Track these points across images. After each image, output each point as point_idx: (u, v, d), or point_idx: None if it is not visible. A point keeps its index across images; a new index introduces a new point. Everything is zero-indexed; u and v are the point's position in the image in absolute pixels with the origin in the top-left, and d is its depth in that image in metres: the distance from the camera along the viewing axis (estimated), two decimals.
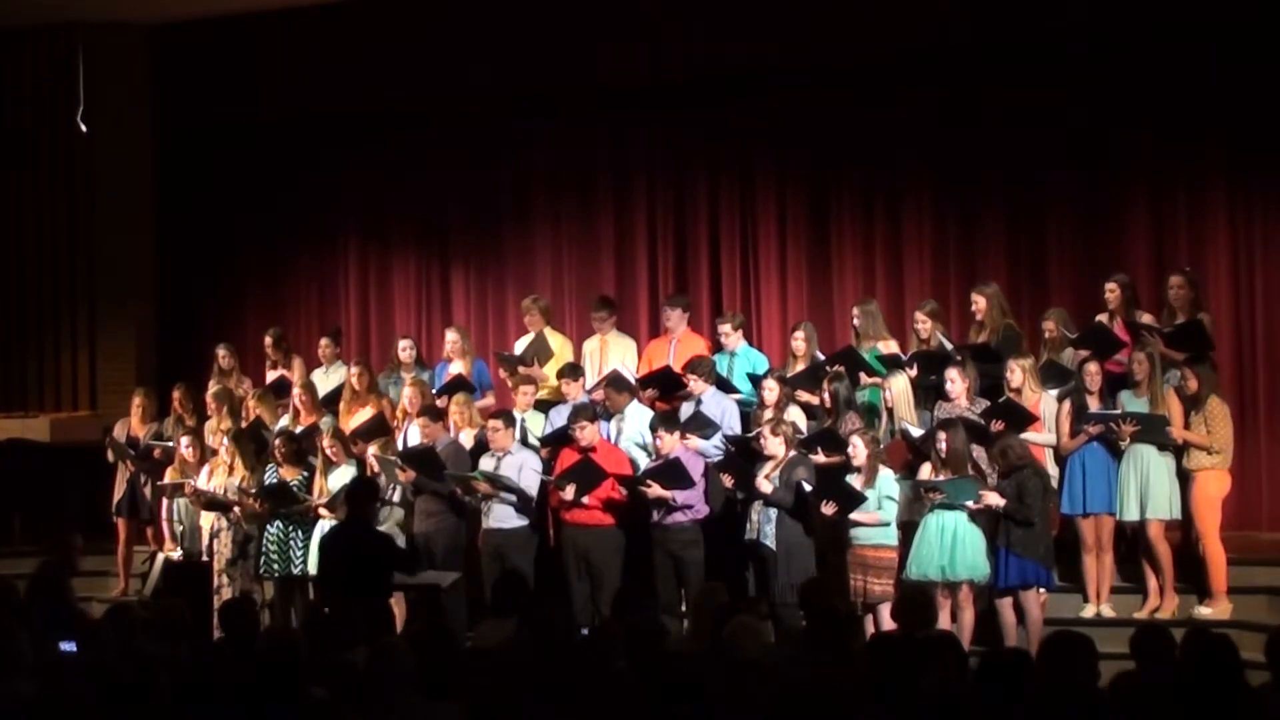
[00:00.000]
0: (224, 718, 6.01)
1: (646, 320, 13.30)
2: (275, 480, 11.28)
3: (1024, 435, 10.08)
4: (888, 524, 9.92)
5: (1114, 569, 10.36)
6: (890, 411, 10.48)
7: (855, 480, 9.94)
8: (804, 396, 10.83)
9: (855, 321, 11.35)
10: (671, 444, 10.39)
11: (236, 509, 11.41)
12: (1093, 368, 10.28)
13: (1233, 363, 11.63)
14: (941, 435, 9.79)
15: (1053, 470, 10.30)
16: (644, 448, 10.91)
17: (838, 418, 10.48)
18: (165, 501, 12.22)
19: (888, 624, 9.13)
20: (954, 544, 9.68)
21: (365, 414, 11.78)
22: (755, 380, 10.98)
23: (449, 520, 10.99)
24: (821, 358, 11.16)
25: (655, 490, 10.33)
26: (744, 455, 10.46)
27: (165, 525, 12.30)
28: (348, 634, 7.19)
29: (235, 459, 11.53)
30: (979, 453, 10.03)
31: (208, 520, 11.62)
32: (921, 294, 12.25)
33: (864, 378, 10.91)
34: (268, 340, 13.10)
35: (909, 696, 5.85)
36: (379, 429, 11.51)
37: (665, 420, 10.60)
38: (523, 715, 6.07)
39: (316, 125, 14.34)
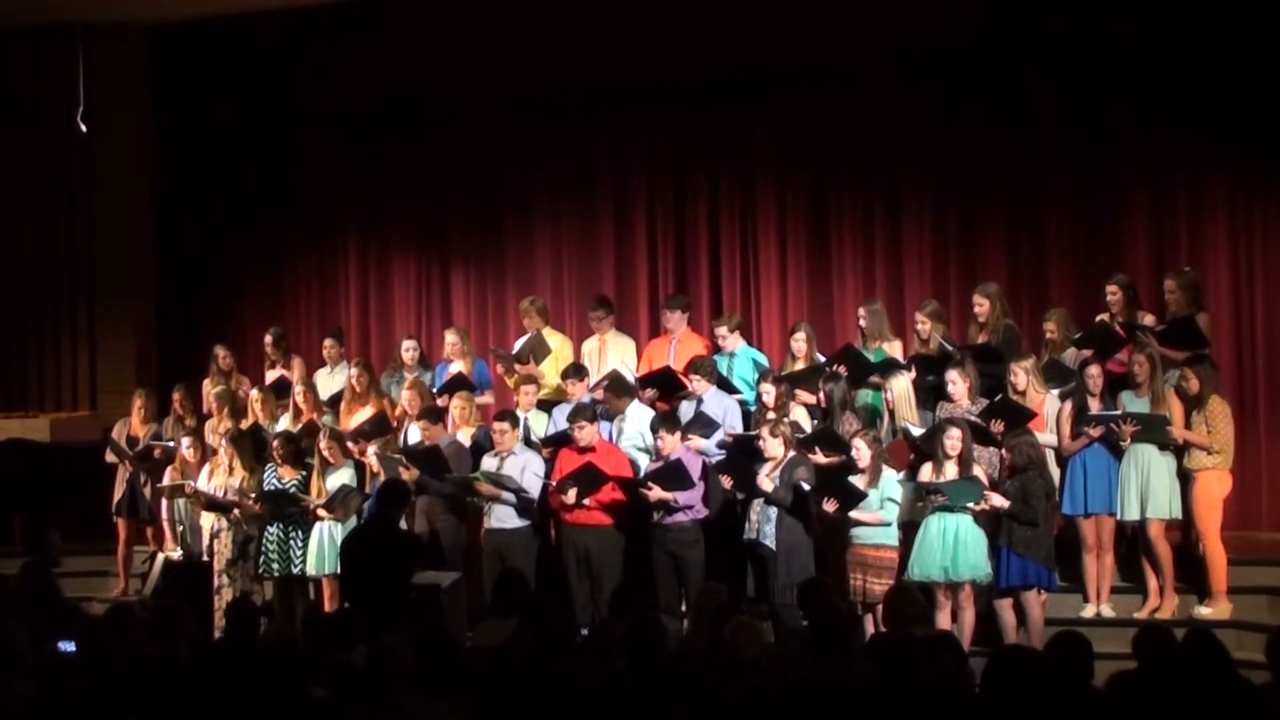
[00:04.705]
0: (224, 718, 6.01)
1: (646, 320, 13.30)
2: (274, 480, 11.30)
3: None
4: (889, 524, 9.92)
5: (1114, 569, 10.36)
6: (892, 413, 10.49)
7: (859, 481, 9.93)
8: (804, 397, 10.83)
9: (861, 322, 11.34)
10: (673, 445, 10.39)
11: (236, 510, 11.41)
12: (1094, 370, 10.27)
13: (1233, 362, 11.63)
14: (955, 433, 9.76)
15: (1054, 471, 10.29)
16: (644, 450, 10.91)
17: (833, 419, 10.48)
18: (165, 501, 12.23)
19: None
20: (956, 544, 9.68)
21: (365, 414, 11.78)
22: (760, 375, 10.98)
23: (449, 520, 11.00)
24: (822, 359, 11.16)
25: (656, 493, 10.33)
26: (745, 454, 10.46)
27: (165, 525, 12.31)
28: (348, 634, 7.20)
29: (234, 459, 11.54)
30: (979, 452, 10.03)
31: (208, 520, 11.63)
32: (921, 294, 12.25)
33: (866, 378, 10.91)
34: (268, 340, 13.09)
35: (909, 696, 5.85)
36: (380, 428, 11.52)
37: (666, 421, 10.59)
38: (523, 715, 6.07)
39: (316, 125, 14.35)
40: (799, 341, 11.27)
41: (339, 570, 10.29)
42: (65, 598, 9.01)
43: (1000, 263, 12.42)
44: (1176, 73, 11.82)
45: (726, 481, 10.29)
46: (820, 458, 10.26)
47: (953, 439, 9.76)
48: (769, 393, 10.55)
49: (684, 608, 10.20)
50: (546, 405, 11.54)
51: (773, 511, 10.01)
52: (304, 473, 11.32)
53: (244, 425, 12.04)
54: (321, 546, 11.08)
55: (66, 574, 10.96)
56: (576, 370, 11.41)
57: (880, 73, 12.59)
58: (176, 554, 12.08)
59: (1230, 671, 6.03)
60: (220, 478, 11.57)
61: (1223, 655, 6.12)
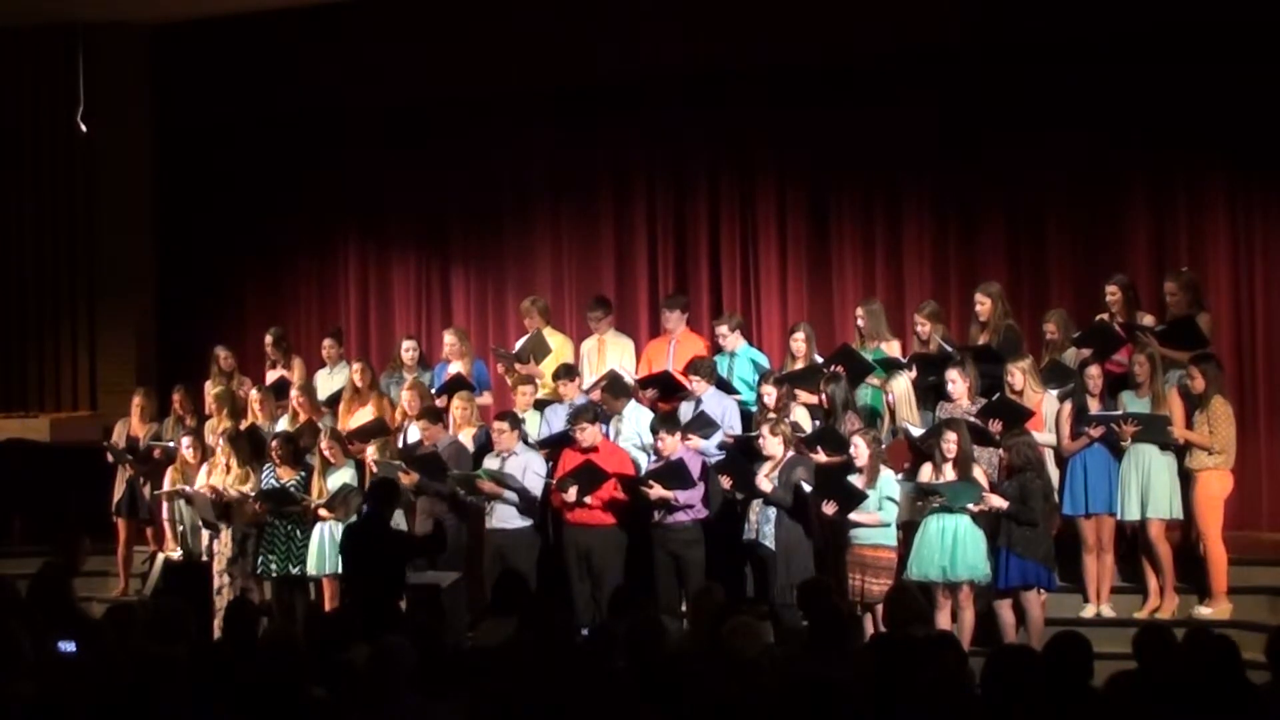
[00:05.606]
0: (224, 718, 6.01)
1: (646, 320, 13.29)
2: (272, 480, 11.30)
3: None
4: (888, 525, 9.92)
5: (1114, 569, 10.36)
6: (892, 413, 10.49)
7: (857, 481, 9.93)
8: (804, 397, 10.83)
9: (859, 322, 11.34)
10: (673, 445, 10.39)
11: (226, 523, 11.42)
12: (1094, 370, 10.27)
13: (1233, 362, 11.61)
14: (951, 436, 9.77)
15: (1053, 471, 10.29)
16: (642, 449, 10.91)
17: (836, 419, 10.48)
18: (165, 501, 12.23)
19: None
20: (955, 544, 9.68)
21: (366, 413, 11.80)
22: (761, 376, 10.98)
23: (450, 521, 10.99)
24: (820, 360, 11.15)
25: (657, 491, 10.33)
26: (745, 454, 10.47)
27: (165, 525, 12.31)
28: (348, 634, 7.20)
29: (232, 459, 11.54)
30: (979, 453, 10.02)
31: None
32: (921, 294, 12.25)
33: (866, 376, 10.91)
34: (268, 340, 13.10)
35: (909, 696, 5.85)
36: (378, 430, 11.52)
37: (666, 421, 10.59)
38: (523, 715, 6.07)
39: (316, 125, 14.34)
40: (799, 342, 11.27)
41: (340, 569, 10.32)
42: (77, 602, 8.96)
43: (1000, 263, 12.42)
44: (1176, 73, 11.80)
45: (726, 482, 10.29)
46: (822, 457, 10.26)
47: (949, 442, 9.75)
48: (770, 394, 10.55)
49: (684, 608, 10.20)
50: (541, 406, 11.53)
51: (772, 512, 10.02)
52: (302, 473, 11.32)
53: (243, 425, 12.05)
54: (322, 546, 11.09)
55: None
56: (567, 371, 11.41)
57: (880, 73, 12.59)
58: (176, 554, 12.09)
59: (1235, 672, 6.00)
60: (219, 478, 11.58)
61: (1231, 655, 6.06)
